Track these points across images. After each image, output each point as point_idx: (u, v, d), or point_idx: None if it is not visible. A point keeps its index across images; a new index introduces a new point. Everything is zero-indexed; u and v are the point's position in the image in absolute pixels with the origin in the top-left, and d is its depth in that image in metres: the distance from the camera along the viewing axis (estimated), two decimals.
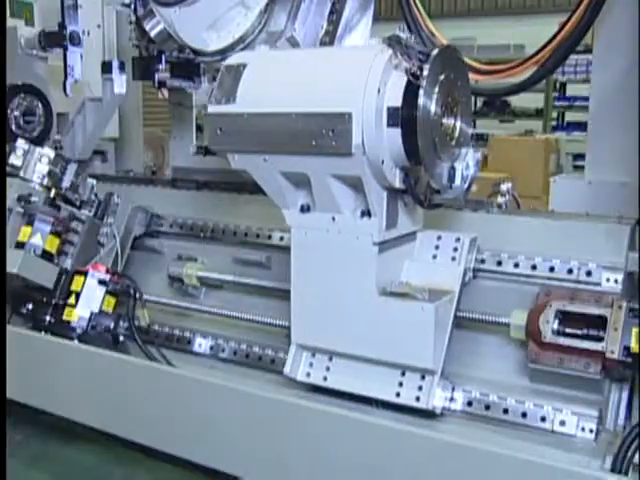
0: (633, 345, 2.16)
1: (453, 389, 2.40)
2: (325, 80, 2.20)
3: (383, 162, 2.14)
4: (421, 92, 2.07)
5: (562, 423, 2.26)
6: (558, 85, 11.35)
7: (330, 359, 2.49)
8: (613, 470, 2.02)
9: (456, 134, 2.31)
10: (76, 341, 2.91)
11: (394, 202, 2.32)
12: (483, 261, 2.58)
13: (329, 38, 2.77)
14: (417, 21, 2.67)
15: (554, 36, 2.55)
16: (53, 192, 3.20)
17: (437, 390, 2.33)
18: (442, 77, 2.17)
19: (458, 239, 2.51)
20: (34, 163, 3.19)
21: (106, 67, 3.68)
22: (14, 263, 2.89)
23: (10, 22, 3.78)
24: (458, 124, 2.31)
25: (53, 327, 3.00)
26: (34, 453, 3.08)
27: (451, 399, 2.39)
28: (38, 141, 3.60)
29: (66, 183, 3.26)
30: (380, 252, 2.30)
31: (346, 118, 2.08)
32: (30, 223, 3.03)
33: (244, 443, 2.37)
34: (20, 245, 3.01)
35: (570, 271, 2.44)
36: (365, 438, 2.14)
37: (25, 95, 3.66)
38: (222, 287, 3.17)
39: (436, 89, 2.14)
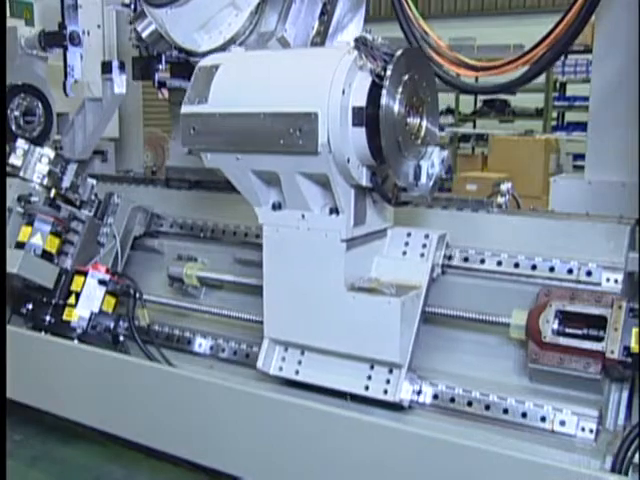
0: (633, 345, 2.16)
1: (421, 383, 2.44)
2: (293, 81, 2.26)
3: (349, 160, 2.19)
4: (384, 92, 2.13)
5: (562, 423, 2.26)
6: (558, 85, 11.37)
7: (302, 353, 2.54)
8: (613, 470, 2.02)
9: (422, 133, 2.35)
10: (76, 341, 2.91)
11: (362, 200, 2.38)
12: (483, 261, 2.59)
13: (320, 38, 2.77)
14: (410, 20, 2.67)
15: (549, 33, 2.54)
16: (53, 192, 3.20)
17: (404, 383, 2.38)
18: (406, 77, 2.23)
19: (427, 236, 2.56)
20: (34, 163, 3.19)
21: (106, 67, 3.69)
22: (14, 263, 2.89)
23: (10, 22, 3.77)
24: (424, 123, 2.36)
25: (53, 327, 3.01)
26: (34, 453, 3.08)
27: (419, 392, 2.44)
28: (38, 141, 3.60)
29: (66, 183, 3.26)
30: (348, 249, 2.35)
31: (312, 118, 2.13)
32: (30, 223, 3.03)
33: (244, 443, 2.37)
34: (20, 245, 3.01)
35: (570, 271, 2.44)
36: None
37: (25, 95, 3.67)
38: (222, 287, 3.17)
39: (400, 89, 2.19)
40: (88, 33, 3.91)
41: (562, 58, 11.01)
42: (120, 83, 3.68)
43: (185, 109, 2.39)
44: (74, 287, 3.03)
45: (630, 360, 2.17)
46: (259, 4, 2.62)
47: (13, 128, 3.60)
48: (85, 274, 3.03)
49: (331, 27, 2.61)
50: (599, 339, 2.22)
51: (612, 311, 2.23)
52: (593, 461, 2.15)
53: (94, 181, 3.39)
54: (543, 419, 2.28)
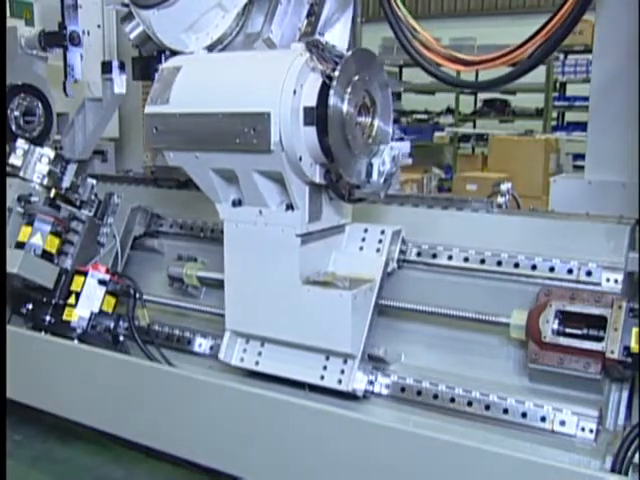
0: (633, 345, 2.16)
1: (376, 373, 2.53)
2: (247, 82, 2.35)
3: (301, 159, 2.27)
4: (331, 92, 2.20)
5: (562, 423, 2.26)
6: (558, 85, 11.36)
7: (262, 345, 2.62)
8: (613, 470, 2.02)
9: (373, 132, 2.43)
10: (76, 341, 2.91)
11: (317, 196, 2.46)
12: (483, 261, 2.59)
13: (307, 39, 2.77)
14: (399, 19, 2.67)
15: (544, 25, 2.51)
16: (53, 192, 3.20)
17: (358, 374, 2.46)
18: (356, 78, 2.30)
19: (383, 232, 2.65)
20: (34, 163, 3.19)
21: (106, 67, 3.68)
22: (14, 263, 2.90)
23: (10, 22, 3.77)
24: (376, 122, 2.43)
25: (53, 327, 3.01)
26: (34, 453, 3.08)
27: (372, 382, 2.53)
28: (38, 141, 3.60)
29: (66, 183, 3.27)
30: (304, 243, 2.44)
31: (265, 117, 2.22)
32: (30, 223, 3.03)
33: (244, 443, 2.37)
34: (20, 245, 3.01)
35: (570, 271, 2.45)
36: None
37: (25, 95, 3.66)
38: (222, 287, 3.16)
39: (348, 89, 2.27)
40: (88, 33, 3.91)
41: (562, 58, 11.02)
42: (120, 83, 3.68)
43: (148, 109, 2.49)
44: (74, 287, 3.03)
45: (630, 360, 2.17)
46: (246, 5, 2.63)
47: (13, 128, 3.60)
48: (85, 274, 3.03)
49: (318, 27, 2.62)
50: (599, 339, 2.22)
51: (612, 311, 2.23)
52: (593, 461, 2.15)
53: (94, 181, 3.39)
54: (543, 419, 2.29)
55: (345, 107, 2.26)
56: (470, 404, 2.40)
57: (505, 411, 2.34)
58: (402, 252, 2.70)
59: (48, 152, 3.25)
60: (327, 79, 2.23)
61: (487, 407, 2.37)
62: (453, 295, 2.60)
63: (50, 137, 3.81)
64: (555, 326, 2.28)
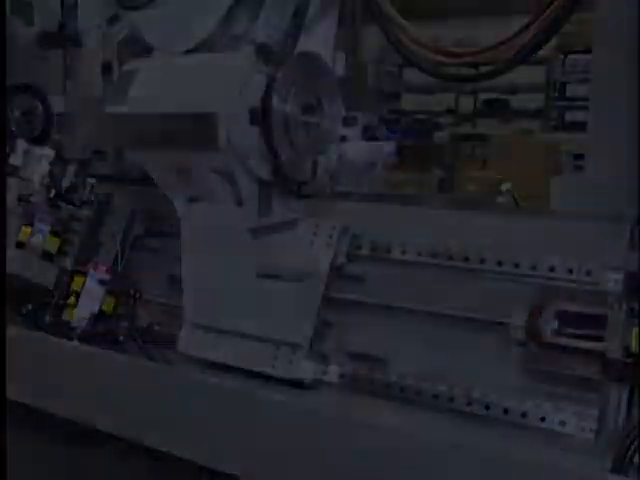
0: (633, 345, 2.16)
1: (326, 362, 2.62)
2: (199, 83, 2.46)
3: (249, 157, 2.38)
4: (274, 93, 2.31)
5: (562, 423, 2.26)
6: (558, 85, 11.36)
7: (219, 336, 2.72)
8: (613, 470, 2.02)
9: (320, 131, 2.53)
10: (76, 341, 2.92)
11: (267, 192, 2.55)
12: (484, 261, 2.58)
13: (291, 40, 2.78)
14: (387, 17, 2.67)
15: (537, 17, 2.49)
16: (53, 192, 3.20)
17: (306, 363, 2.57)
18: (301, 79, 2.40)
19: (333, 227, 2.76)
20: (34, 163, 3.19)
21: (106, 67, 3.68)
22: (14, 263, 2.90)
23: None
24: (322, 122, 2.53)
25: (53, 327, 3.01)
26: (34, 453, 3.08)
27: (325, 372, 2.62)
28: (38, 141, 3.60)
29: (66, 183, 3.27)
30: (255, 238, 2.55)
31: (213, 117, 2.33)
32: (30, 223, 3.03)
33: (244, 443, 2.37)
34: (20, 245, 3.01)
35: (570, 271, 2.45)
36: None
37: (25, 95, 3.66)
38: None
39: (292, 90, 2.37)
40: None
41: (562, 58, 11.02)
42: None
43: (108, 110, 2.60)
44: (74, 287, 3.04)
45: (630, 360, 2.17)
46: (231, 7, 2.64)
47: (13, 128, 3.60)
48: (85, 274, 3.03)
49: (303, 28, 2.64)
50: (599, 339, 2.22)
51: (612, 311, 2.23)
52: (593, 461, 2.15)
53: (94, 181, 3.39)
54: (543, 419, 2.29)
55: (288, 107, 2.35)
56: (470, 404, 2.40)
57: (505, 411, 2.34)
58: (358, 247, 2.78)
59: (48, 152, 3.25)
60: (272, 80, 2.32)
61: (487, 407, 2.37)
62: (455, 295, 2.60)
63: (50, 137, 3.81)
64: (555, 326, 2.28)
